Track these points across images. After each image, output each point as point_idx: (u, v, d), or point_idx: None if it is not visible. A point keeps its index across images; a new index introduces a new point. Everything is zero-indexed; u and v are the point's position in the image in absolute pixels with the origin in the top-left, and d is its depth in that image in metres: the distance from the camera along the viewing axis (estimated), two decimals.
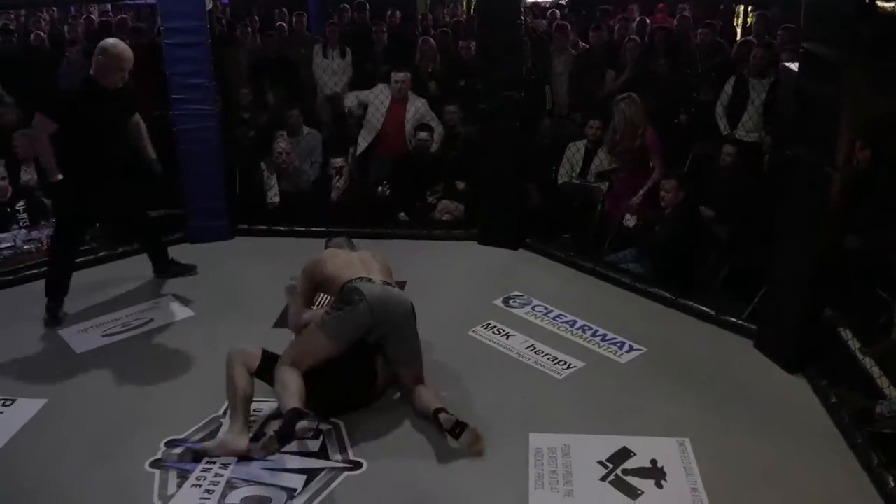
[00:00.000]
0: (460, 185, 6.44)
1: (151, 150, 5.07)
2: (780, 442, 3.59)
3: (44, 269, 5.39)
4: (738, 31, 9.56)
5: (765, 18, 7.75)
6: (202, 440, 3.61)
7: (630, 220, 5.60)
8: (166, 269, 5.46)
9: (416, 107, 6.74)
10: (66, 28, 8.19)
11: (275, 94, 7.44)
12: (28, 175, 6.23)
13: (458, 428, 3.48)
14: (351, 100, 7.02)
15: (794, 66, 4.26)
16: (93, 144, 4.66)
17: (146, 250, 5.49)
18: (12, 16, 8.78)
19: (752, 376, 4.16)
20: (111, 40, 4.74)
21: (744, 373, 4.20)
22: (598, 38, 7.48)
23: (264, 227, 6.29)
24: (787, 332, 4.20)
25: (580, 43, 7.79)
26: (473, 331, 4.67)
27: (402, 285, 4.59)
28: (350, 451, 3.54)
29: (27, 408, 3.91)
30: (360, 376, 3.77)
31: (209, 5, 5.79)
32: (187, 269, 5.51)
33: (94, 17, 9.56)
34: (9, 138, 6.35)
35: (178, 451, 3.54)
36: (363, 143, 6.86)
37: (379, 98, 6.73)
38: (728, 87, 6.40)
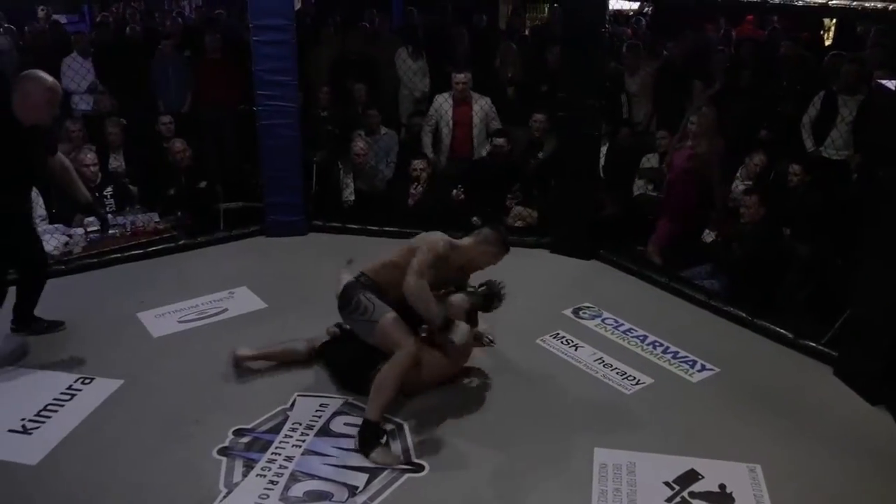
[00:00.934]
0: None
1: (85, 191, 4.54)
2: (856, 476, 3.45)
3: (128, 253, 5.59)
4: (827, 43, 9.25)
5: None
6: (268, 431, 3.67)
7: (708, 236, 5.47)
8: (28, 325, 4.58)
9: (481, 106, 6.70)
10: (161, 20, 8.44)
11: (354, 93, 7.52)
12: (117, 162, 6.45)
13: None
14: (427, 134, 6.93)
15: (891, 84, 4.11)
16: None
17: (21, 299, 4.55)
18: (112, 8, 9.10)
19: (830, 404, 4.01)
20: (40, 73, 4.08)
21: (821, 400, 4.05)
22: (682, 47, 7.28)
23: (338, 225, 6.36)
24: (870, 360, 4.04)
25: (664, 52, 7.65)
26: (542, 339, 4.63)
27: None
28: (413, 454, 3.55)
29: (104, 387, 4.04)
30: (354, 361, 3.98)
31: (298, 5, 5.88)
32: (53, 326, 4.63)
33: (186, 11, 9.85)
34: (102, 125, 6.58)
35: (245, 440, 3.60)
36: (440, 157, 6.86)
37: (442, 109, 6.73)
38: (816, 103, 6.19)
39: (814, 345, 4.48)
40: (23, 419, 3.74)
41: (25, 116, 3.99)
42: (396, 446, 3.61)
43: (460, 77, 6.60)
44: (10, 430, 3.67)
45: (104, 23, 8.32)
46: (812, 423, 3.84)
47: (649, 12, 10.86)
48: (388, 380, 3.60)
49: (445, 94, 6.74)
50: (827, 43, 8.99)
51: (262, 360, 4.24)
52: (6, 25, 8.18)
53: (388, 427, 3.71)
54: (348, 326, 4.06)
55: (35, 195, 5.77)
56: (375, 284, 3.84)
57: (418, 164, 6.36)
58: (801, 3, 4.43)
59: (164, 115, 6.76)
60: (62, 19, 9.55)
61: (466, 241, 3.95)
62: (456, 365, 4.10)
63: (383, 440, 3.60)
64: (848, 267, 4.88)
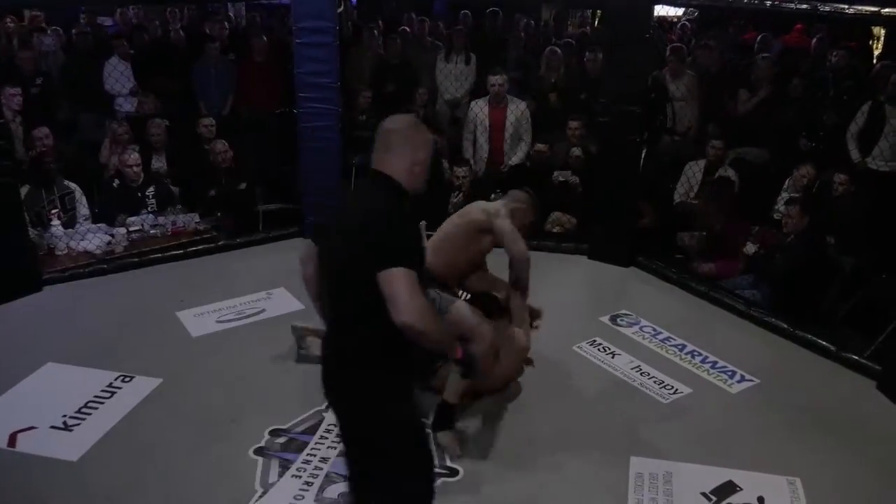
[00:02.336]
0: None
1: None
2: None
3: (168, 253, 5.65)
4: (876, 52, 9.05)
5: None
6: (304, 432, 3.69)
7: (750, 248, 5.38)
8: None
9: (516, 110, 6.61)
10: (204, 23, 8.51)
11: (391, 97, 7.53)
12: (159, 163, 6.53)
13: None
14: (467, 139, 6.86)
15: None
16: None
17: None
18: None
19: (872, 419, 3.93)
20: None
21: (864, 415, 3.97)
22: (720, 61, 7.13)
23: None
24: None
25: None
26: (578, 346, 4.60)
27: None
28: (448, 458, 3.54)
29: (144, 386, 4.10)
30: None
31: (340, 7, 5.90)
32: None
33: (231, 14, 9.91)
34: (144, 126, 6.68)
35: (281, 440, 3.63)
36: (481, 163, 6.78)
37: (478, 117, 6.67)
38: (863, 113, 6.07)
39: (857, 358, 4.39)
40: (64, 416, 3.81)
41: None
42: (465, 436, 3.62)
43: (496, 79, 6.54)
44: (52, 427, 3.74)
45: (141, 26, 8.43)
46: (853, 437, 3.76)
47: (694, 18, 10.72)
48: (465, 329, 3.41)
49: (481, 101, 6.71)
50: (876, 52, 8.81)
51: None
52: (53, 27, 8.32)
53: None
54: None
55: (79, 195, 5.89)
56: (440, 280, 3.66)
57: (461, 171, 6.31)
58: (851, 10, 4.33)
59: (206, 117, 6.83)
60: (107, 21, 9.69)
61: (499, 203, 3.91)
62: (518, 363, 3.94)
63: (455, 426, 3.59)
64: (893, 279, 4.78)
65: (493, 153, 6.72)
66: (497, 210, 3.79)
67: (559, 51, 7.37)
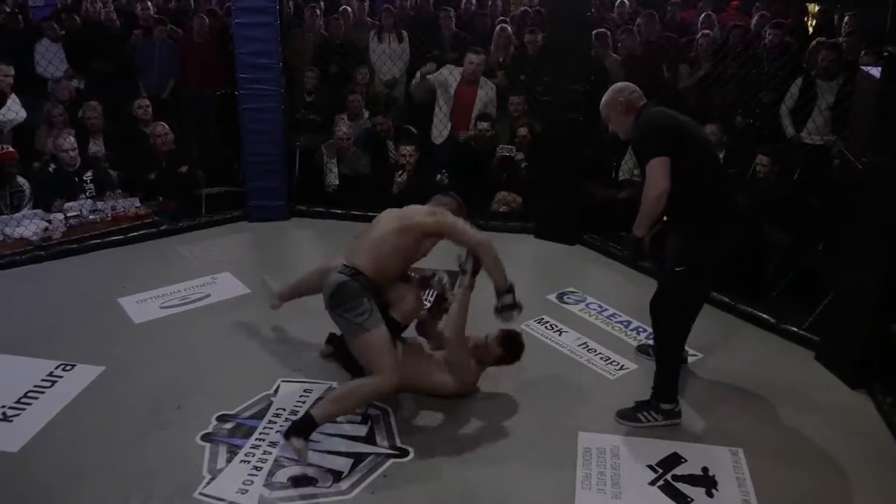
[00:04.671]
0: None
1: None
2: (837, 459, 3.48)
3: (108, 238, 5.54)
4: (809, 30, 9.23)
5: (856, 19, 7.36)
6: (252, 417, 3.65)
7: None
8: None
9: (486, 92, 6.63)
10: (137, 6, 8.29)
11: (335, 77, 7.46)
12: (96, 147, 6.37)
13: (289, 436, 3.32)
14: (416, 78, 6.94)
15: (874, 71, 4.12)
16: None
17: None
18: None
19: (811, 389, 4.04)
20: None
21: (803, 385, 4.08)
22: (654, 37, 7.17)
23: (322, 210, 6.33)
24: (851, 346, 4.07)
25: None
26: (526, 325, 4.62)
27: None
28: (398, 438, 3.54)
29: (86, 374, 4.01)
30: None
31: None
32: None
33: None
34: (78, 110, 6.50)
35: (228, 426, 3.59)
36: (442, 130, 6.75)
37: (448, 80, 6.64)
38: (794, 89, 6.21)
39: (796, 330, 4.51)
40: (3, 406, 3.71)
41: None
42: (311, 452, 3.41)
43: (475, 58, 6.53)
44: None
45: (68, 8, 8.19)
46: (794, 407, 3.86)
47: None
48: (350, 398, 3.43)
49: (453, 67, 6.67)
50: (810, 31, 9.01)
51: (294, 295, 4.33)
52: None
53: (374, 413, 3.70)
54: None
55: (28, 191, 5.74)
56: (373, 285, 3.56)
57: (407, 150, 6.28)
58: None
59: (141, 99, 6.67)
60: (38, 2, 9.41)
61: (427, 207, 3.80)
62: (460, 384, 3.80)
63: (310, 438, 3.37)
64: (829, 252, 4.91)
65: (454, 129, 6.70)
66: (434, 211, 3.73)
67: (509, 29, 7.37)
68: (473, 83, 6.61)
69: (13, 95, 6.13)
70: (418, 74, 6.94)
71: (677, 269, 3.53)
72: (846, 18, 6.88)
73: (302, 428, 3.33)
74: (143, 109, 6.52)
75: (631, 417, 3.69)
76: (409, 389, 3.77)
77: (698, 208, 3.46)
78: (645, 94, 3.61)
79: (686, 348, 4.23)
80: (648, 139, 3.39)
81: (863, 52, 5.94)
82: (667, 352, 3.69)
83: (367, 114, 6.94)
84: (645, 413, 3.68)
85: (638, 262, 4.02)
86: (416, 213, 3.73)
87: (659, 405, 3.67)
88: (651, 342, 3.94)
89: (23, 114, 6.18)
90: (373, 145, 6.69)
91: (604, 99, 3.64)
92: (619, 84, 3.65)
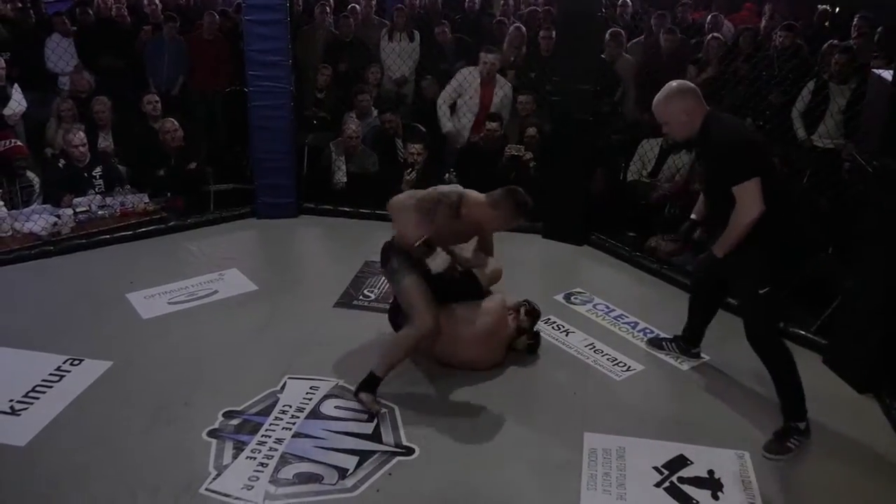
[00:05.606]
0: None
1: None
2: (844, 463, 3.48)
3: (117, 234, 5.55)
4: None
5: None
6: (259, 413, 3.66)
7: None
8: None
9: (504, 92, 6.62)
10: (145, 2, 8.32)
11: (345, 76, 7.48)
12: (106, 142, 6.39)
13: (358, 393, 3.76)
14: (444, 102, 6.75)
15: (886, 74, 4.10)
16: None
17: None
18: None
19: (818, 393, 3.98)
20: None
21: (810, 389, 4.00)
22: (672, 41, 7.17)
23: (329, 208, 6.34)
24: (859, 350, 4.05)
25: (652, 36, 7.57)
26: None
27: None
28: (403, 437, 3.55)
29: (93, 369, 4.01)
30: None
31: None
32: None
33: None
34: (88, 104, 6.52)
35: (235, 422, 3.60)
36: (464, 132, 6.71)
37: (468, 80, 6.60)
38: (806, 92, 6.18)
39: (803, 333, 4.49)
40: (11, 400, 3.72)
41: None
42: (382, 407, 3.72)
43: (490, 57, 6.51)
44: None
45: (83, 2, 8.21)
46: None
47: None
48: (396, 348, 3.80)
49: (474, 70, 6.62)
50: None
51: None
52: None
53: (382, 410, 3.71)
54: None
55: (37, 186, 5.76)
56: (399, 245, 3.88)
57: (415, 148, 6.25)
58: None
59: (150, 95, 6.68)
60: None
61: (482, 197, 3.87)
62: (487, 349, 4.11)
63: (377, 394, 3.74)
64: (838, 255, 4.89)
65: (474, 128, 6.68)
66: (441, 189, 3.88)
67: (523, 28, 7.36)
68: (490, 83, 6.60)
69: (15, 86, 6.13)
70: (440, 106, 6.79)
71: (761, 291, 3.41)
72: (855, 20, 6.84)
73: (368, 384, 3.73)
74: (153, 105, 6.52)
75: (780, 450, 3.46)
76: (447, 352, 4.05)
77: (776, 226, 3.32)
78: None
79: (697, 349, 4.25)
80: (738, 157, 3.24)
81: (874, 55, 5.92)
82: (779, 369, 3.54)
83: (375, 112, 6.95)
84: (792, 441, 3.48)
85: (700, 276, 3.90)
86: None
87: (797, 426, 3.50)
88: (662, 334, 3.94)
89: (24, 104, 6.15)
90: (382, 143, 6.69)
91: (660, 99, 3.45)
92: (678, 84, 3.45)
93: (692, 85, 3.48)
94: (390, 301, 4.44)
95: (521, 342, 4.26)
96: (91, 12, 7.94)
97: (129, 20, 7.98)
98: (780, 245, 3.38)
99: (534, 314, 4.30)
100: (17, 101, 6.10)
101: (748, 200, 3.21)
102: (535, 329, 4.32)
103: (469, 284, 4.10)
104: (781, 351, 3.56)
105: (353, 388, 3.78)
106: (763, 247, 3.38)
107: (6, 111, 5.92)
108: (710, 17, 7.90)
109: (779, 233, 3.35)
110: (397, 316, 4.17)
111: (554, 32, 6.86)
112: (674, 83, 3.47)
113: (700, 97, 3.44)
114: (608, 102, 6.81)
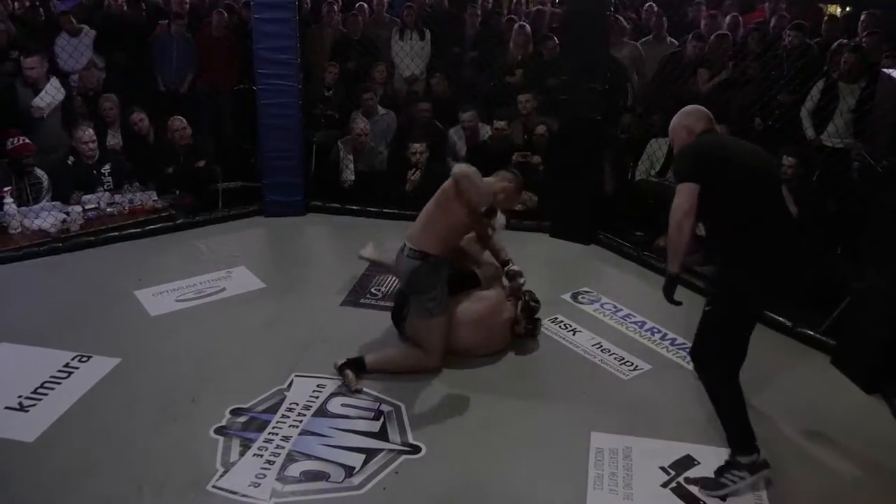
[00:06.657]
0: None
1: None
2: (852, 464, 3.46)
3: (125, 231, 5.57)
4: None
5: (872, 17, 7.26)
6: (266, 411, 3.67)
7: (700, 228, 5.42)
8: None
9: (487, 131, 6.73)
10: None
11: (353, 74, 7.48)
12: (115, 139, 6.40)
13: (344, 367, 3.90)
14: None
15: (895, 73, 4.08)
16: None
17: None
18: None
19: (827, 393, 4.01)
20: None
21: (818, 389, 4.05)
22: (698, 48, 7.09)
23: (337, 206, 6.34)
24: (868, 350, 4.03)
25: (668, 38, 7.55)
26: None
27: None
28: (410, 435, 3.55)
29: (102, 365, 4.03)
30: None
31: None
32: None
33: None
34: (97, 101, 6.53)
35: (242, 419, 3.60)
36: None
37: (456, 146, 6.72)
38: (815, 92, 6.15)
39: (812, 333, 4.47)
40: (20, 396, 3.74)
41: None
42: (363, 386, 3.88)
43: (466, 116, 6.62)
44: (7, 408, 3.67)
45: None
46: (808, 411, 3.84)
47: None
48: (395, 363, 4.00)
49: (460, 130, 6.72)
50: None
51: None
52: None
53: (387, 409, 3.71)
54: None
55: (46, 183, 5.77)
56: (443, 261, 3.95)
57: (417, 147, 6.25)
58: None
59: (137, 113, 6.46)
60: None
61: (490, 179, 4.07)
62: (483, 334, 4.20)
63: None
64: (847, 256, 4.87)
65: None
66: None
67: (527, 27, 7.35)
68: (475, 136, 6.70)
69: (52, 79, 6.12)
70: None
71: (705, 308, 3.32)
72: (862, 17, 6.79)
73: (354, 364, 3.90)
74: (138, 127, 6.39)
75: (716, 486, 3.24)
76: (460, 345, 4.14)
77: (732, 241, 3.23)
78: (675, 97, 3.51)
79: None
80: (683, 160, 3.26)
81: (884, 54, 5.88)
82: (718, 404, 3.32)
83: (381, 111, 6.94)
84: (728, 476, 3.23)
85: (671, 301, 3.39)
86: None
87: (738, 461, 3.23)
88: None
89: (58, 96, 6.10)
90: (396, 140, 6.72)
91: (674, 118, 3.47)
92: (688, 108, 3.47)
93: (704, 110, 3.43)
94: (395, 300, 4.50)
95: (520, 326, 4.35)
96: (104, 8, 7.95)
97: (140, 17, 7.98)
98: (757, 275, 3.18)
99: (529, 306, 4.38)
100: (49, 94, 6.01)
101: (677, 200, 3.14)
102: (535, 317, 4.41)
103: (472, 281, 4.29)
104: (726, 389, 3.31)
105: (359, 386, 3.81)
106: (743, 272, 3.20)
107: (35, 101, 5.90)
108: (729, 17, 7.83)
109: (756, 261, 3.18)
110: (400, 314, 4.27)
111: (556, 38, 6.89)
112: (685, 108, 3.47)
113: (706, 120, 3.36)
114: (619, 103, 6.80)
